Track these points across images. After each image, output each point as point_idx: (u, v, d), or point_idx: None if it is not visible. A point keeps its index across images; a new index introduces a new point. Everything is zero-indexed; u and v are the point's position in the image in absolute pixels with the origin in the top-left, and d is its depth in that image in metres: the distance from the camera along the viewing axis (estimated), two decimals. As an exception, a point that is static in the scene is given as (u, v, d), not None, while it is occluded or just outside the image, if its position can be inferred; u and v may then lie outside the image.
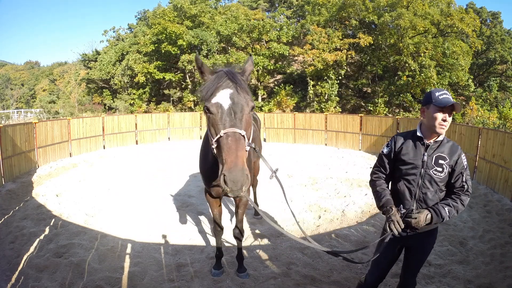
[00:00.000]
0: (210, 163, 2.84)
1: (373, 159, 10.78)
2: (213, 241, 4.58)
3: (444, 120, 2.13)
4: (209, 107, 1.96)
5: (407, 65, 19.98)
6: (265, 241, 4.53)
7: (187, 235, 4.78)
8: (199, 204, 6.15)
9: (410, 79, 20.08)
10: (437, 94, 2.16)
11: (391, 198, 2.29)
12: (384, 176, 2.43)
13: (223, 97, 1.96)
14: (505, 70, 26.58)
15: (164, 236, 4.74)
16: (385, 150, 2.41)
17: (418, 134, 2.26)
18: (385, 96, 21.97)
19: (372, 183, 2.45)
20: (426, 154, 2.23)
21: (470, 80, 21.60)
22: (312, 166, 9.26)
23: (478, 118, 16.68)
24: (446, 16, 20.69)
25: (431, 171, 2.21)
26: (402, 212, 2.25)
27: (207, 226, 5.13)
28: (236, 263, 3.84)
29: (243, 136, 1.89)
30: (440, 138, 2.23)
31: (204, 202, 6.28)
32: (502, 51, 26.09)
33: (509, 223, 5.20)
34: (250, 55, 2.29)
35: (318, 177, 8.09)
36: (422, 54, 19.82)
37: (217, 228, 3.59)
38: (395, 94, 21.60)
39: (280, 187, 2.36)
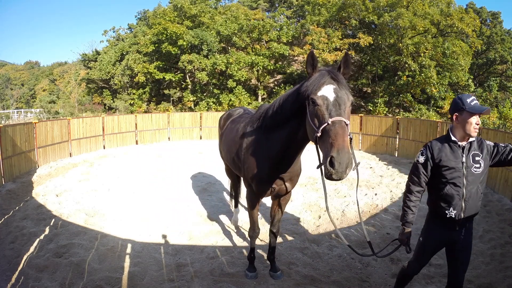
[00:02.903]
0: (272, 163, 3.00)
1: (373, 159, 10.78)
2: (212, 241, 4.59)
3: (477, 124, 2.34)
4: (315, 99, 2.17)
5: (407, 65, 19.96)
6: (265, 241, 4.52)
7: (187, 235, 4.79)
8: (199, 204, 6.15)
9: (410, 79, 20.06)
10: (468, 100, 2.33)
11: (412, 221, 2.57)
12: (422, 188, 2.53)
13: (328, 91, 2.18)
14: (505, 70, 26.57)
15: (164, 236, 4.74)
16: (421, 159, 2.48)
17: (453, 138, 2.42)
18: (385, 96, 21.96)
19: (407, 198, 2.57)
20: (463, 155, 2.40)
21: (470, 80, 21.59)
22: (312, 166, 9.26)
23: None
24: (446, 16, 20.66)
25: (471, 169, 2.38)
26: (453, 213, 2.41)
27: (207, 226, 5.13)
28: (236, 262, 3.84)
29: (347, 124, 2.07)
30: (472, 139, 2.42)
31: (204, 202, 6.29)
32: (502, 51, 26.06)
33: (509, 223, 5.20)
34: (346, 52, 2.42)
35: (318, 177, 8.09)
36: (422, 54, 19.80)
37: (256, 230, 3.60)
38: (395, 94, 21.58)
39: (357, 181, 2.54)
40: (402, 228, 2.61)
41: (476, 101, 2.34)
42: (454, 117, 2.41)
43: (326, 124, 2.06)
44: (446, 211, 2.43)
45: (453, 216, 2.41)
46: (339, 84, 2.21)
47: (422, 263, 2.69)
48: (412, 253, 2.69)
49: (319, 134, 2.10)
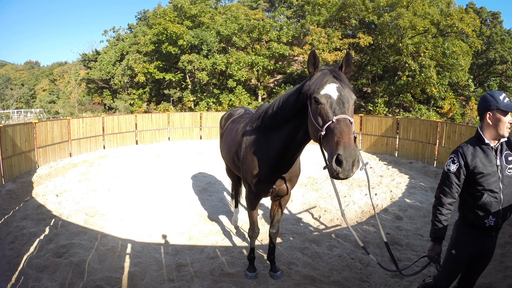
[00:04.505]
0: (271, 163, 2.99)
1: (373, 159, 10.78)
2: (212, 241, 4.59)
3: (510, 123, 2.18)
4: (318, 98, 2.15)
5: (407, 65, 19.96)
6: (265, 241, 4.52)
7: (187, 235, 4.79)
8: (199, 204, 6.15)
9: (410, 79, 20.06)
10: (501, 98, 2.17)
11: (443, 237, 2.34)
12: (454, 200, 2.32)
13: (331, 89, 2.16)
14: (505, 70, 26.55)
15: (164, 236, 4.74)
16: (453, 168, 2.27)
17: (486, 141, 2.24)
18: (385, 96, 21.94)
19: (438, 212, 2.34)
20: (497, 157, 2.24)
21: (470, 80, 21.57)
22: (312, 166, 9.26)
23: (478, 118, 16.67)
24: (446, 16, 20.66)
25: (505, 171, 2.24)
26: (493, 222, 2.24)
27: (207, 226, 5.13)
28: (235, 262, 3.83)
29: (352, 123, 2.07)
30: (503, 139, 2.25)
31: (204, 202, 6.28)
32: (502, 51, 26.04)
33: (509, 223, 5.20)
34: (348, 52, 2.38)
35: (318, 177, 8.09)
36: (422, 54, 19.79)
37: (256, 230, 3.61)
38: (395, 94, 21.57)
39: (367, 182, 2.55)
40: (432, 245, 2.36)
41: (508, 98, 2.17)
42: (487, 116, 2.22)
43: (330, 122, 2.03)
44: (485, 220, 2.24)
45: (493, 225, 2.25)
46: (342, 83, 2.19)
47: (454, 277, 2.45)
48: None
49: (323, 133, 2.07)
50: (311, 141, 2.83)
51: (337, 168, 1.87)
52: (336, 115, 2.04)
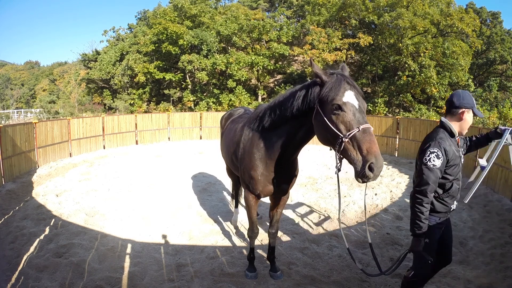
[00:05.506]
0: (269, 164, 3.04)
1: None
2: (212, 241, 4.59)
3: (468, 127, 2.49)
4: (341, 105, 2.19)
5: (407, 65, 19.95)
6: (265, 241, 4.52)
7: (187, 235, 4.79)
8: (199, 204, 6.15)
9: (410, 79, 20.06)
10: (475, 101, 2.45)
11: (427, 228, 2.38)
12: (434, 193, 2.44)
13: (352, 97, 2.23)
14: (505, 70, 26.56)
15: (164, 236, 4.74)
16: (438, 163, 2.30)
17: (456, 135, 2.46)
18: (385, 96, 21.94)
19: (425, 208, 2.35)
20: (460, 150, 2.50)
21: (470, 80, 21.57)
22: (311, 166, 9.27)
23: (477, 118, 16.67)
24: (446, 16, 20.65)
25: (461, 161, 2.51)
26: (455, 205, 2.53)
27: (207, 226, 5.13)
28: (235, 262, 3.83)
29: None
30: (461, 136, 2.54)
31: (204, 202, 6.28)
32: (502, 51, 26.05)
33: (509, 223, 5.20)
34: (343, 63, 2.49)
35: (318, 177, 8.09)
36: (422, 54, 19.78)
37: (255, 230, 3.61)
38: (395, 94, 21.57)
39: (365, 186, 2.71)
40: (418, 240, 2.38)
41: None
42: (461, 112, 2.37)
43: (357, 130, 2.12)
44: (451, 206, 2.48)
45: (454, 208, 2.52)
46: (357, 90, 2.28)
47: (432, 262, 2.58)
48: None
49: (346, 140, 2.14)
50: (310, 141, 2.84)
51: (370, 174, 2.04)
52: (362, 124, 2.15)
